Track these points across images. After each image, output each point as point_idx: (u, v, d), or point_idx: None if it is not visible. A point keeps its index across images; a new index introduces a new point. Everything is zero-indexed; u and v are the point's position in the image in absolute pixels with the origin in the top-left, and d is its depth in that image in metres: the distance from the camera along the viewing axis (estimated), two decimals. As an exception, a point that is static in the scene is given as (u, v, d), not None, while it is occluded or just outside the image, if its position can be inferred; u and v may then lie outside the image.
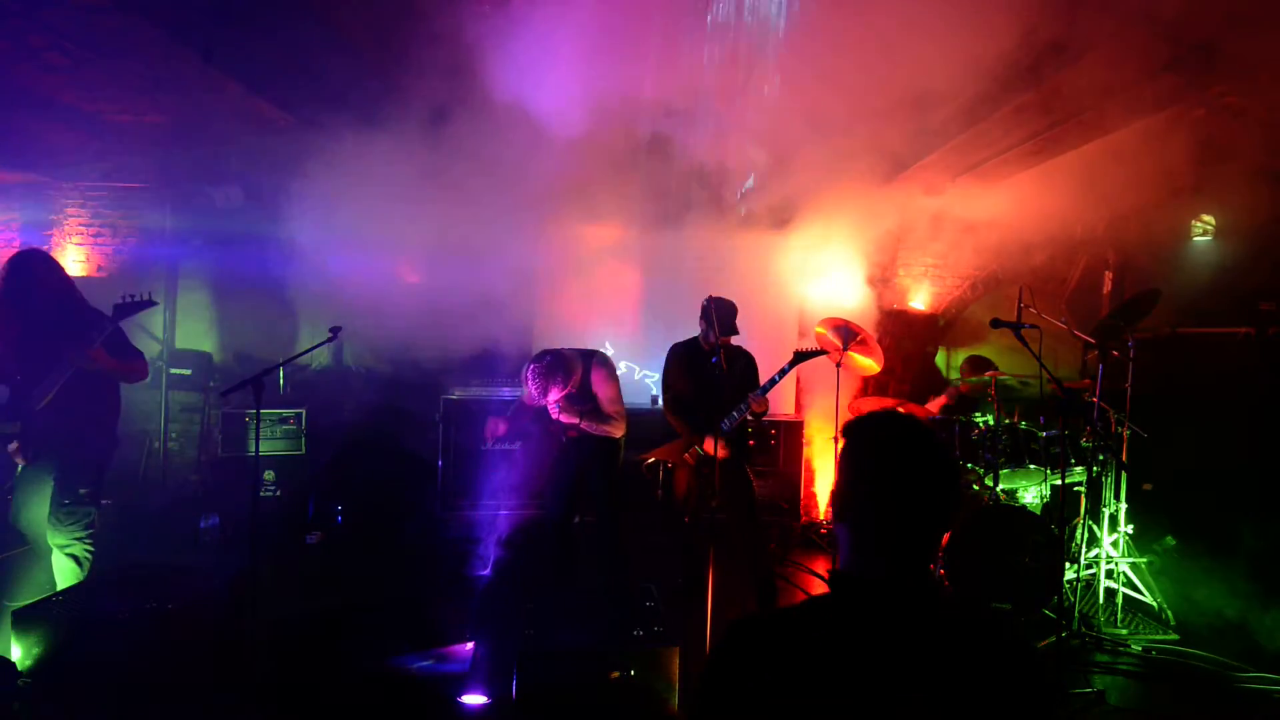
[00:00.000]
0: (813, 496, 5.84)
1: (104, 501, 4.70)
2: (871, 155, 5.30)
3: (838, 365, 4.50)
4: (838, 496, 1.14)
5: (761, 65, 4.52)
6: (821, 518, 5.65)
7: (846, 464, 1.12)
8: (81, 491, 3.10)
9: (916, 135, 4.85)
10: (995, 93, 3.90)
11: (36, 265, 3.10)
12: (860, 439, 1.12)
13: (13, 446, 3.00)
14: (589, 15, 3.84)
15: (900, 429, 1.11)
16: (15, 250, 3.25)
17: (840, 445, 1.16)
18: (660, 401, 3.96)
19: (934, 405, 5.16)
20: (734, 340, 3.76)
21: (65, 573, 3.11)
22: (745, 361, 3.84)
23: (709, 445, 3.55)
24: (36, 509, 3.09)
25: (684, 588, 3.86)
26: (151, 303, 3.22)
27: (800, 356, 3.72)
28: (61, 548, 3.09)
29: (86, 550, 3.14)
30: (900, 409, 4.79)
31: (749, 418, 3.64)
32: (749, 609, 3.54)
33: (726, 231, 5.90)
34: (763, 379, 3.69)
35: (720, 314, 3.64)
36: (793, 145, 5.54)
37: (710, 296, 3.75)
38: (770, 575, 3.64)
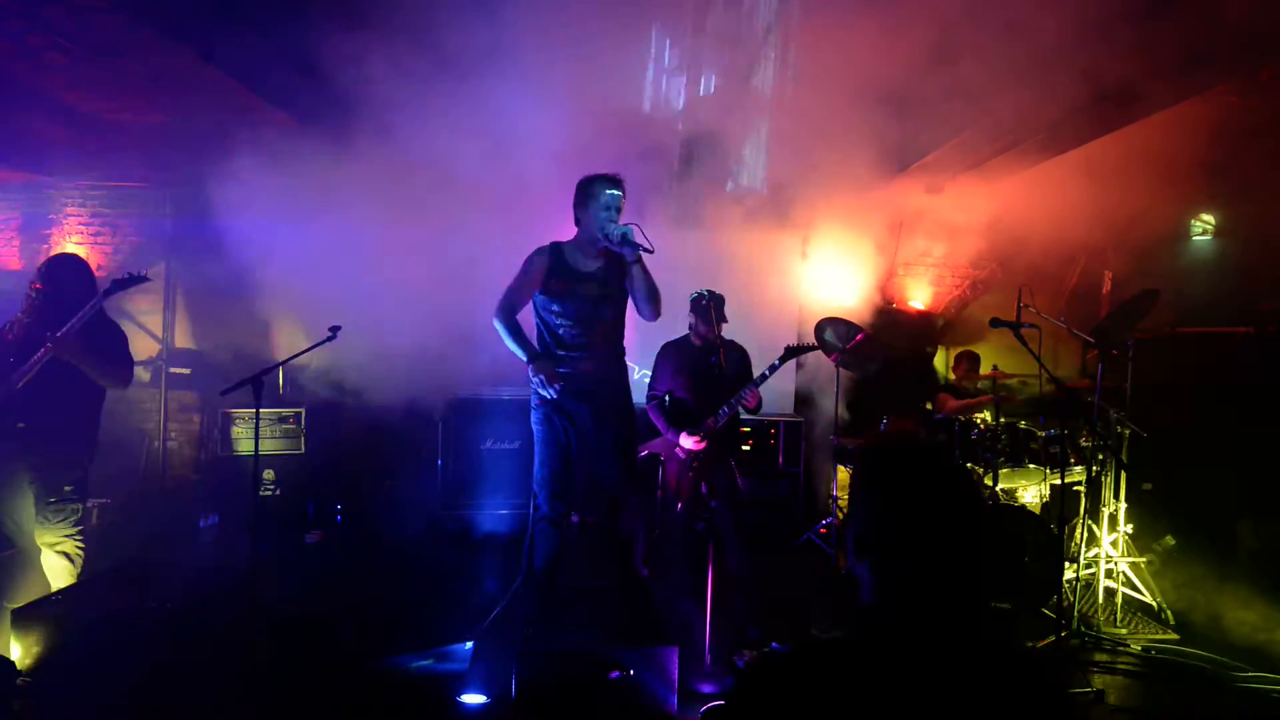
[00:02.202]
0: (813, 496, 5.83)
1: (104, 501, 4.74)
2: (872, 153, 5.30)
3: (837, 365, 4.50)
4: (860, 530, 1.06)
5: (762, 59, 4.51)
6: (820, 518, 5.64)
7: (875, 498, 1.05)
8: (66, 488, 3.09)
9: (917, 133, 4.84)
10: (1002, 90, 3.89)
11: (64, 269, 3.16)
12: (892, 474, 1.05)
13: None
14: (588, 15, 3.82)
15: (934, 466, 1.04)
16: (53, 253, 3.27)
17: (864, 472, 1.10)
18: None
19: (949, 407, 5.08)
20: (724, 332, 3.66)
21: (58, 571, 3.10)
22: (739, 355, 3.77)
23: (685, 440, 3.56)
24: (21, 511, 3.08)
25: (684, 586, 3.83)
26: (144, 278, 3.19)
27: (791, 351, 3.69)
28: (52, 546, 3.08)
29: (77, 546, 3.13)
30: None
31: (740, 411, 3.59)
32: (736, 609, 3.44)
33: (724, 229, 5.90)
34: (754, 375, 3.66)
35: (720, 308, 3.60)
36: (792, 142, 5.55)
37: (705, 290, 3.67)
38: (747, 577, 3.55)
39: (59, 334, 2.94)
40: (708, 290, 3.67)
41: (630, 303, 3.14)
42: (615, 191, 2.93)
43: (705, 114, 5.09)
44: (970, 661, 1.00)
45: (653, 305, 3.01)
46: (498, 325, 3.06)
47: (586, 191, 2.97)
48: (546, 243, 3.10)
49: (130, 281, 3.16)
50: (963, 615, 1.01)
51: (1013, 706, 0.97)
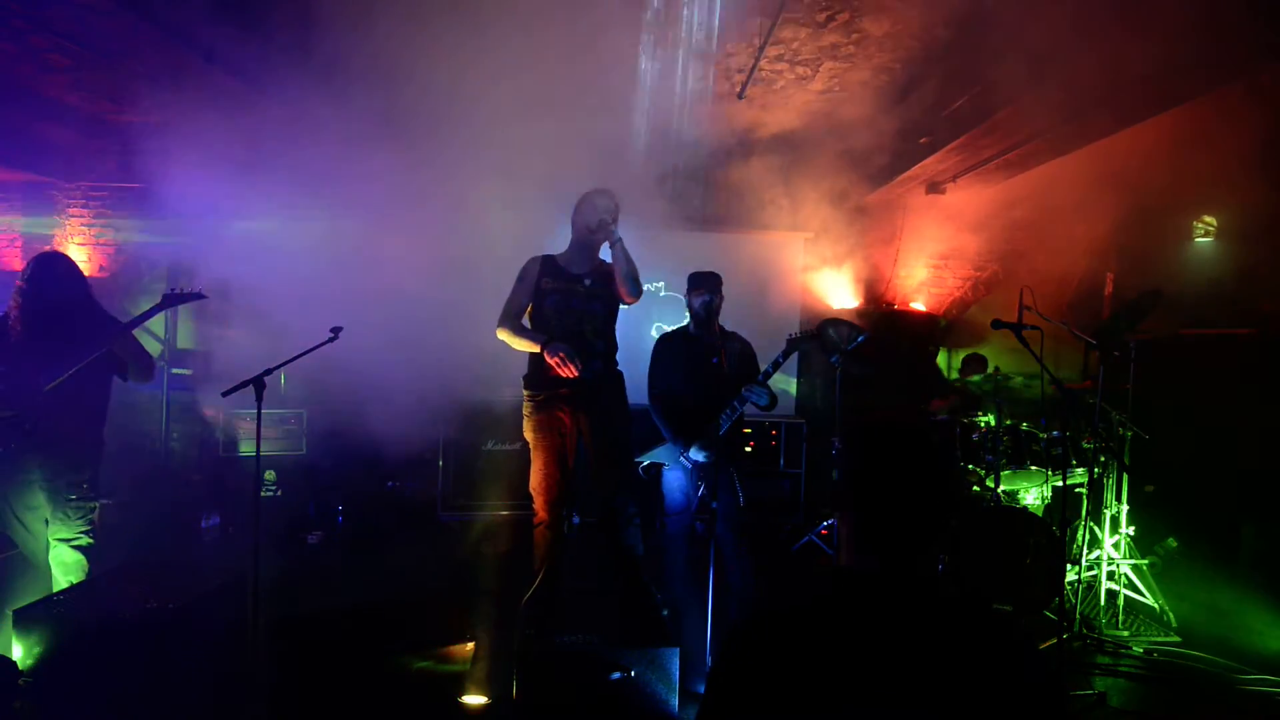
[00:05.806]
0: (813, 498, 5.82)
1: (106, 501, 4.73)
2: (873, 153, 5.30)
3: (837, 365, 4.50)
4: (837, 491, 1.23)
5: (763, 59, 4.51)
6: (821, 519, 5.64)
7: (844, 461, 1.23)
8: (85, 485, 3.14)
9: (920, 134, 4.85)
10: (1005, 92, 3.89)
11: (57, 267, 3.15)
12: (857, 439, 1.22)
13: None
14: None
15: (893, 430, 1.19)
16: (41, 251, 3.28)
17: (846, 440, 1.27)
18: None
19: (936, 406, 5.15)
20: (727, 325, 3.51)
21: (72, 567, 3.09)
22: (740, 347, 3.51)
23: (695, 454, 3.32)
24: (31, 513, 3.08)
25: (684, 587, 3.79)
26: (201, 295, 3.29)
27: (793, 343, 3.38)
28: (68, 541, 3.10)
29: (91, 543, 3.17)
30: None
31: (756, 406, 3.33)
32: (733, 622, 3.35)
33: (726, 229, 5.90)
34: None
35: (719, 287, 3.42)
36: (795, 143, 5.55)
37: (709, 272, 3.47)
38: (750, 593, 3.36)
39: (118, 331, 3.09)
40: (712, 273, 3.50)
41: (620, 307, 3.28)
42: (605, 201, 3.17)
43: (707, 114, 5.10)
44: (934, 610, 1.09)
45: (632, 284, 3.14)
46: (502, 334, 3.19)
47: (583, 200, 3.23)
48: (539, 254, 3.28)
49: (186, 298, 3.26)
50: (922, 561, 1.12)
51: (978, 656, 1.05)
